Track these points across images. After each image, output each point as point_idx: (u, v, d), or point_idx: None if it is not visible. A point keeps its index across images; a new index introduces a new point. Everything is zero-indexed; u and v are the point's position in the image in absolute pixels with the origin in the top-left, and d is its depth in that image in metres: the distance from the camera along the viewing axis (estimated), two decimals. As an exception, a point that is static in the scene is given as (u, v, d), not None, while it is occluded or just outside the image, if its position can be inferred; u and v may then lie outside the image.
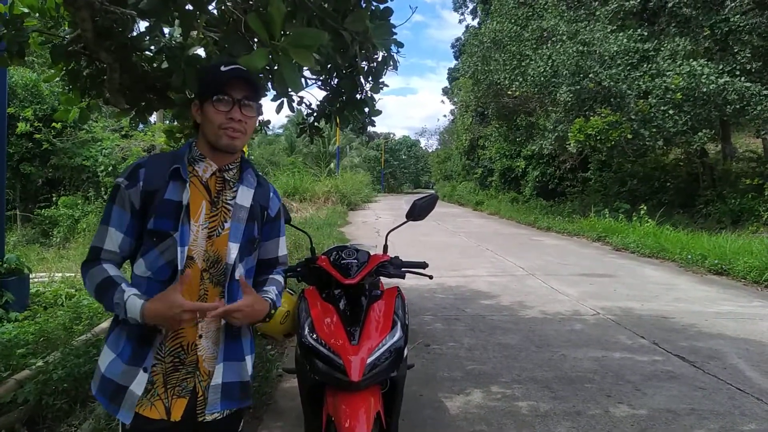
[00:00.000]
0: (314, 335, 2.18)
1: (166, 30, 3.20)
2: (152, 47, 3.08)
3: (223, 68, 1.58)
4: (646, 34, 14.41)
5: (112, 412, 1.55)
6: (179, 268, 1.53)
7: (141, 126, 12.60)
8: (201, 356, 1.60)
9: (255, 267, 1.79)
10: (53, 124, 13.37)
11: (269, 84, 3.04)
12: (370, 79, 3.59)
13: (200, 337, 1.60)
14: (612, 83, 13.63)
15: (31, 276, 6.15)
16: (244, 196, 1.66)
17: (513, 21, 17.49)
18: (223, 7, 2.79)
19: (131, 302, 1.47)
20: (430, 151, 71.10)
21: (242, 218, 1.65)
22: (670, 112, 12.86)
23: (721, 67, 12.97)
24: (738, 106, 12.43)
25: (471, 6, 34.53)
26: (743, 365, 4.50)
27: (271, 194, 1.79)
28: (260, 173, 1.81)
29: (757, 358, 4.69)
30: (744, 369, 4.42)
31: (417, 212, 2.74)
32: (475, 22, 32.17)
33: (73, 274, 7.53)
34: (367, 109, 3.81)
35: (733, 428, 3.36)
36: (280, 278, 1.85)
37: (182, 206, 1.55)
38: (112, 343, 1.58)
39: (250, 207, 1.67)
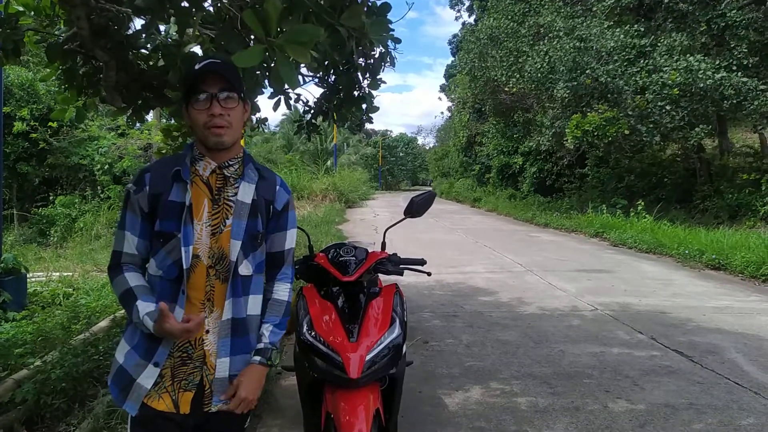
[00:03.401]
0: (313, 333, 2.18)
1: (162, 28, 3.20)
2: (148, 45, 3.08)
3: (196, 66, 1.60)
4: (642, 29, 14.40)
5: (119, 404, 1.61)
6: (185, 267, 1.57)
7: (138, 125, 12.57)
8: (208, 351, 1.63)
9: (265, 261, 1.78)
10: (49, 123, 13.34)
11: (266, 81, 3.04)
12: (367, 75, 3.59)
13: (207, 332, 1.63)
14: (609, 79, 13.63)
15: (28, 276, 6.14)
16: (245, 192, 1.67)
17: (510, 17, 17.48)
18: (219, 4, 2.79)
19: (146, 323, 1.53)
20: (427, 148, 71.08)
21: (243, 215, 1.65)
22: (667, 107, 12.87)
23: (717, 62, 12.97)
24: (735, 102, 12.44)
25: (467, 3, 34.44)
26: (741, 360, 4.52)
27: (278, 187, 1.77)
28: (265, 166, 1.80)
29: (754, 352, 4.70)
30: (742, 363, 4.43)
31: (415, 209, 2.75)
32: (471, 19, 32.10)
33: (71, 274, 7.52)
34: (364, 106, 3.81)
35: (731, 422, 3.37)
36: (283, 293, 1.80)
37: (185, 207, 1.58)
38: (129, 336, 1.65)
39: (252, 202, 1.67)
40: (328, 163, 34.26)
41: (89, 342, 3.89)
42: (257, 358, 1.68)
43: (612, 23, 14.77)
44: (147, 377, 1.57)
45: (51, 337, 4.06)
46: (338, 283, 2.43)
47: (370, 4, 2.61)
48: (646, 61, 13.72)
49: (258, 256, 1.72)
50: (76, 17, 2.49)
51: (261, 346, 1.70)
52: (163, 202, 1.59)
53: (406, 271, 2.73)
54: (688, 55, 13.10)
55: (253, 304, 1.70)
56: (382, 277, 2.78)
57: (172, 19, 2.69)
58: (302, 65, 3.29)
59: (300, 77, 3.66)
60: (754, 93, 12.29)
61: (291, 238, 1.83)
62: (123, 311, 1.66)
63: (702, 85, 12.42)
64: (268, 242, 1.78)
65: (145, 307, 1.54)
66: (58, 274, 7.52)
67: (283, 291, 1.80)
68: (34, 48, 3.38)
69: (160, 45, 2.98)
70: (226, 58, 1.71)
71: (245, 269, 1.66)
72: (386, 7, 2.62)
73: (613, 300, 6.62)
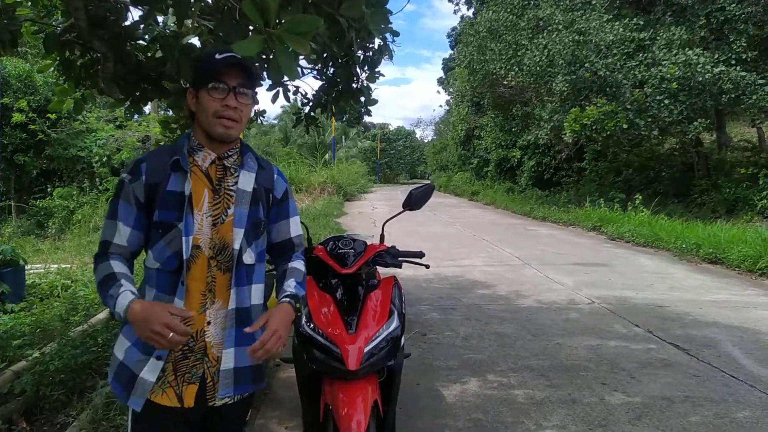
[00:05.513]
0: (311, 325, 2.18)
1: (160, 18, 3.18)
2: (146, 36, 3.06)
3: (217, 56, 1.58)
4: (641, 23, 14.36)
5: (123, 401, 1.59)
6: (185, 257, 1.55)
7: (136, 116, 12.52)
8: (209, 342, 1.62)
9: (266, 250, 1.79)
10: (48, 114, 13.29)
11: (264, 73, 3.03)
12: (365, 68, 3.58)
13: (209, 323, 1.62)
14: (608, 73, 13.60)
15: (26, 267, 6.14)
16: (246, 181, 1.67)
17: (509, 10, 17.39)
18: (217, -5, 2.77)
19: (123, 296, 1.48)
20: (426, 140, 70.86)
21: (245, 203, 1.65)
22: (666, 101, 12.85)
23: (716, 56, 12.94)
24: (733, 96, 12.41)
25: (466, -5, 34.23)
26: (737, 353, 4.54)
27: (276, 176, 1.78)
28: (262, 156, 1.80)
29: (751, 345, 4.72)
30: (738, 356, 4.45)
31: (413, 202, 2.75)
32: (469, 12, 31.93)
33: (69, 266, 7.52)
34: (362, 99, 3.81)
35: (727, 415, 3.40)
36: (299, 265, 1.81)
37: (185, 197, 1.57)
38: (128, 332, 1.60)
39: (253, 191, 1.67)
40: (327, 156, 34.16)
41: (88, 334, 3.89)
42: (287, 299, 1.67)
43: (611, 17, 14.71)
44: (150, 371, 1.55)
45: (49, 329, 4.06)
46: (337, 275, 2.43)
47: (369, -5, 2.60)
48: (645, 54, 13.69)
49: (260, 245, 1.73)
50: (74, 8, 2.48)
51: (289, 292, 1.70)
52: (161, 193, 1.57)
53: (404, 264, 2.73)
54: (687, 48, 13.07)
55: (257, 293, 1.70)
56: (380, 269, 2.78)
57: (170, 9, 2.68)
58: (301, 57, 3.28)
59: (299, 69, 3.65)
60: (753, 87, 12.28)
61: (296, 225, 1.85)
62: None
63: (701, 79, 12.39)
64: (273, 232, 1.79)
65: (129, 287, 1.51)
66: (56, 266, 7.51)
67: (299, 262, 1.82)
68: (32, 39, 3.37)
69: (158, 36, 2.97)
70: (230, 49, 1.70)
71: (249, 258, 1.67)
72: (383, -1, 2.62)
73: (610, 293, 6.64)
